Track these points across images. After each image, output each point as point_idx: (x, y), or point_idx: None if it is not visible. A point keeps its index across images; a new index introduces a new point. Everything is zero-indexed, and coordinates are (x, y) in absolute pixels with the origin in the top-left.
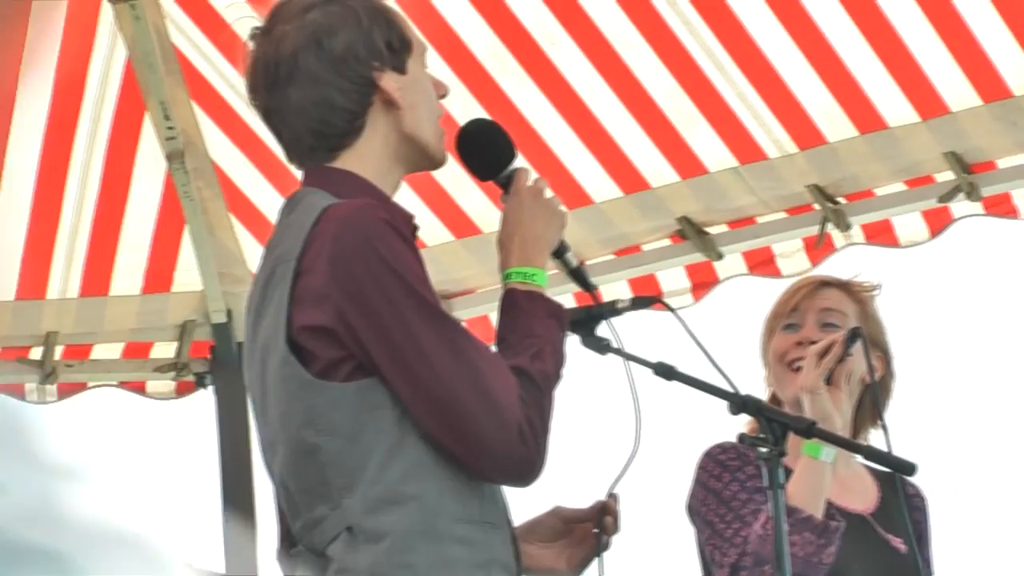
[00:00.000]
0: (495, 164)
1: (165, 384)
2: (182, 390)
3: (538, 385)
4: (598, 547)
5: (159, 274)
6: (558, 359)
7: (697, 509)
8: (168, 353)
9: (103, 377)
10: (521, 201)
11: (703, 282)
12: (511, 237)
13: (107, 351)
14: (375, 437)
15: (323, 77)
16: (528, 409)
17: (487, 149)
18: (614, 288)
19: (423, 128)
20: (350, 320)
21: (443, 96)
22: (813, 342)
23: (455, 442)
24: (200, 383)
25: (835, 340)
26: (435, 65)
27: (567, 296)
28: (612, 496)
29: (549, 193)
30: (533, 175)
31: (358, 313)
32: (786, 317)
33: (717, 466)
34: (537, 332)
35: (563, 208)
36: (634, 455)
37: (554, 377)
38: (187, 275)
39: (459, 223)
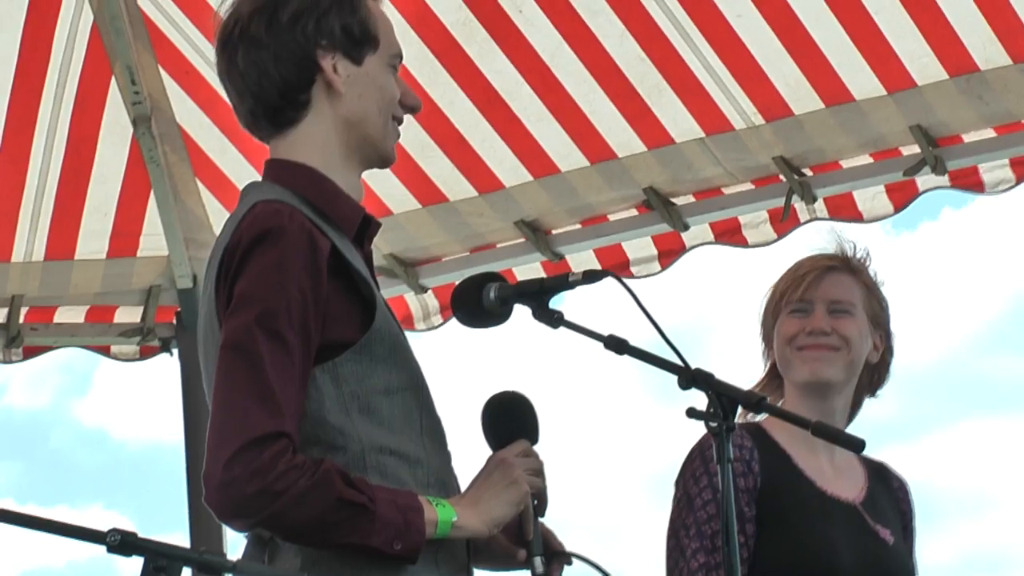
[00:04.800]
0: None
1: (130, 348)
2: (146, 354)
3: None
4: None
5: (125, 238)
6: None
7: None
8: (132, 317)
9: (67, 341)
10: (495, 463)
11: (669, 250)
12: (472, 485)
13: (71, 314)
14: None
15: (264, 42)
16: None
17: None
18: (581, 258)
19: (369, 120)
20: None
21: (413, 109)
22: (824, 331)
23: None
24: (165, 348)
25: None
26: (403, 34)
27: (535, 265)
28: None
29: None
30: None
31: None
32: (795, 302)
33: (701, 464)
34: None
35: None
36: None
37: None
38: (153, 240)
39: (425, 190)
